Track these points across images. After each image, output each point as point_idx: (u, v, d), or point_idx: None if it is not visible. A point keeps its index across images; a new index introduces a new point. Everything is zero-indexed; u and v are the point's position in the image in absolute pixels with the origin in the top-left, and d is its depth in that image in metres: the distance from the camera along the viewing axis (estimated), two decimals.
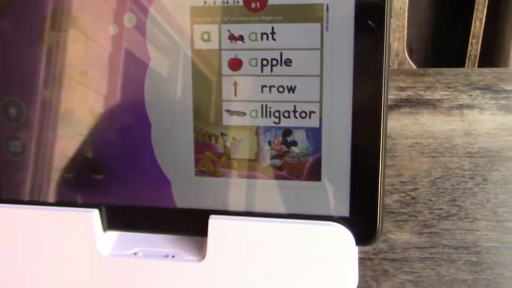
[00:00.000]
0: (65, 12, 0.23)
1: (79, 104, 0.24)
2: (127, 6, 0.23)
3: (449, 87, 0.47)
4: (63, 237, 0.24)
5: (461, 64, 0.66)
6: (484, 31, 0.63)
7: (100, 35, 0.23)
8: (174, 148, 0.23)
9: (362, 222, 0.22)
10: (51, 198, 0.24)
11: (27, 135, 0.24)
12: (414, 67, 0.62)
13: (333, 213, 0.22)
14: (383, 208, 0.22)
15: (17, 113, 0.24)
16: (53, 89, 0.24)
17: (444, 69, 0.50)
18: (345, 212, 0.22)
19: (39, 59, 0.24)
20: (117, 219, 0.24)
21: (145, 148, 0.23)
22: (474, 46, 0.65)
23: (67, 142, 0.24)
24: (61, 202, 0.24)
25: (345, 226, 0.22)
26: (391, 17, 0.21)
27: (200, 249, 0.23)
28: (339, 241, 0.22)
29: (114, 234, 0.24)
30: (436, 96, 0.47)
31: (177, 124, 0.23)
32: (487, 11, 0.63)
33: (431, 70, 0.50)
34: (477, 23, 0.63)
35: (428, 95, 0.47)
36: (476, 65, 0.66)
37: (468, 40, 0.63)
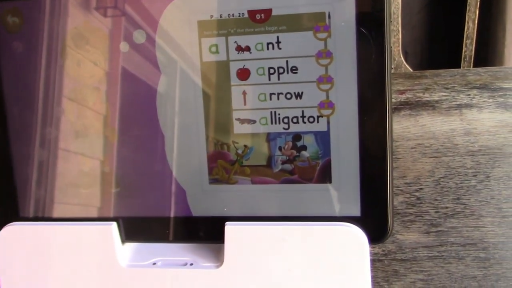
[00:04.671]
0: (77, 33, 0.24)
1: (94, 120, 0.24)
2: (136, 23, 0.23)
3: (447, 88, 0.48)
4: (83, 250, 0.24)
5: (457, 65, 0.67)
6: (477, 31, 0.64)
7: (112, 53, 0.24)
8: (188, 158, 0.24)
9: (374, 220, 0.23)
10: (70, 213, 0.25)
11: (45, 153, 0.25)
12: (411, 70, 0.63)
13: (345, 213, 0.23)
14: (393, 205, 0.23)
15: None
16: (69, 106, 0.25)
17: (441, 71, 0.51)
18: (356, 212, 0.23)
19: (54, 78, 0.25)
20: (135, 230, 0.25)
21: (159, 160, 0.24)
22: (469, 47, 0.66)
23: (83, 158, 0.25)
24: (79, 217, 0.25)
25: (358, 226, 0.22)
26: (390, 21, 0.22)
27: (218, 256, 0.24)
28: (353, 240, 0.22)
29: (132, 246, 0.25)
30: (435, 97, 0.47)
31: (189, 135, 0.24)
32: (479, 12, 0.64)
33: (428, 72, 0.51)
34: (470, 24, 0.65)
35: (426, 96, 0.48)
36: (472, 65, 0.67)
37: (462, 41, 0.64)
